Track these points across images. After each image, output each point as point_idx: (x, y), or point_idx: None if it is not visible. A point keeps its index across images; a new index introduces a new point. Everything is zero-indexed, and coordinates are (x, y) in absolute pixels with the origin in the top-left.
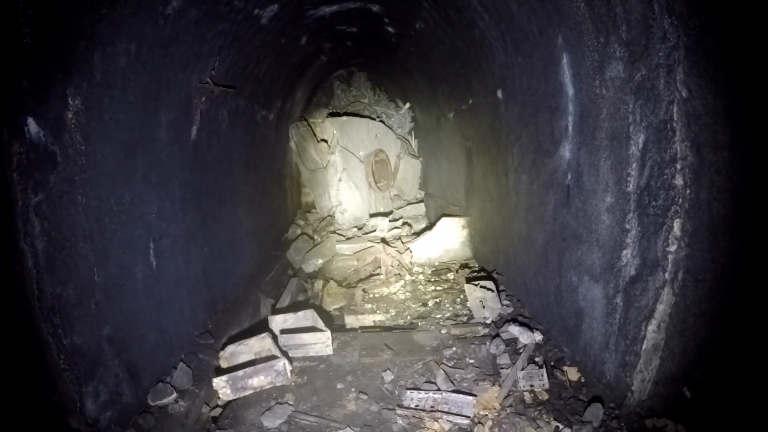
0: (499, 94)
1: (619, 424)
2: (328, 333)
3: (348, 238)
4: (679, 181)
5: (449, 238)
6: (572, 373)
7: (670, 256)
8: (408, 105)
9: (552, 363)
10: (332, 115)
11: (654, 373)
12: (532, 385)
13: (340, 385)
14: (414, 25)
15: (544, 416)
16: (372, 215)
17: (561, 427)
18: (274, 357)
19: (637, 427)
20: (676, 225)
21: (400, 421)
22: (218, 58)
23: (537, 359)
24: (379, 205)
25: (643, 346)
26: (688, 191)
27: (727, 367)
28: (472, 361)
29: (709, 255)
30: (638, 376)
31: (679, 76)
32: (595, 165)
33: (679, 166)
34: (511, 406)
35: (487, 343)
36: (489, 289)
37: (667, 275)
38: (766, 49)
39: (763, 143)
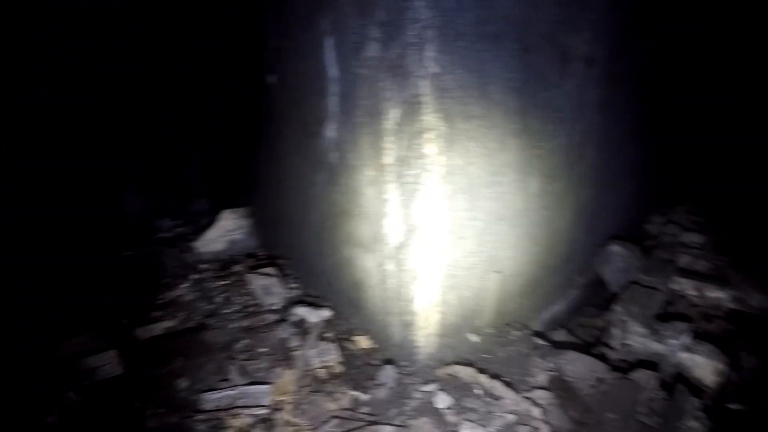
0: (272, 78)
1: (413, 380)
2: (113, 352)
3: None
4: (430, 149)
5: (233, 231)
6: (363, 342)
7: (428, 220)
8: None
9: (343, 336)
10: None
11: (437, 327)
12: (324, 361)
13: (137, 404)
14: None
15: (341, 388)
16: None
17: (358, 394)
18: None
19: (431, 379)
20: (431, 190)
21: (200, 427)
22: None
23: (328, 335)
24: None
25: (418, 305)
26: (442, 158)
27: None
28: (264, 349)
29: (469, 213)
30: (421, 333)
31: (429, 54)
32: (357, 141)
33: (430, 136)
34: (308, 385)
35: (277, 329)
36: (272, 275)
37: (428, 237)
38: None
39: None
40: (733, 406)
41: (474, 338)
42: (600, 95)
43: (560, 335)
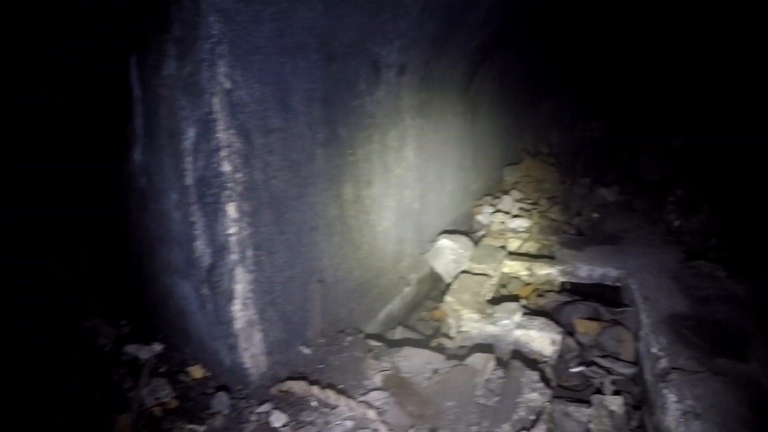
0: None
1: (248, 402)
2: None
3: None
4: (227, 167)
5: None
6: (197, 372)
7: (233, 238)
8: None
9: (176, 368)
10: None
11: (262, 346)
12: (158, 398)
13: None
14: None
15: (178, 423)
16: None
17: (194, 426)
18: None
19: (266, 398)
20: (231, 208)
21: None
22: None
23: (161, 369)
24: None
25: (237, 326)
26: (239, 175)
27: None
28: (96, 396)
29: (277, 228)
30: (246, 354)
31: (222, 69)
32: (161, 164)
33: (225, 153)
34: (144, 427)
35: (109, 372)
36: (97, 315)
37: (235, 256)
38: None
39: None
40: (575, 369)
41: (306, 350)
42: (416, 100)
43: (398, 333)
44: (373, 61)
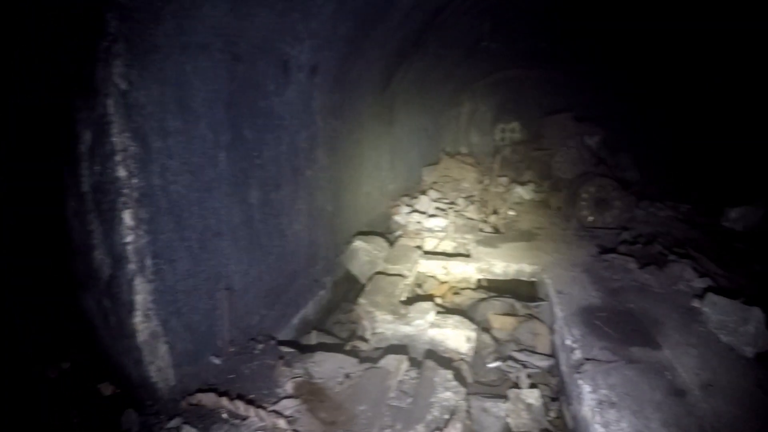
0: None
1: (158, 418)
2: None
3: None
4: (122, 172)
5: None
6: (106, 389)
7: (130, 247)
8: None
9: (90, 386)
10: None
11: (169, 358)
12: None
13: None
14: None
15: None
16: None
17: None
18: None
19: (176, 413)
20: (127, 216)
21: None
22: None
23: (69, 388)
24: None
25: (140, 339)
26: (135, 180)
27: None
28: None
29: (177, 235)
30: (152, 367)
31: (118, 69)
32: (61, 170)
33: (120, 158)
34: None
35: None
36: None
37: (133, 266)
38: None
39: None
40: (492, 365)
41: (216, 361)
42: (328, 101)
43: (313, 338)
44: (283, 61)
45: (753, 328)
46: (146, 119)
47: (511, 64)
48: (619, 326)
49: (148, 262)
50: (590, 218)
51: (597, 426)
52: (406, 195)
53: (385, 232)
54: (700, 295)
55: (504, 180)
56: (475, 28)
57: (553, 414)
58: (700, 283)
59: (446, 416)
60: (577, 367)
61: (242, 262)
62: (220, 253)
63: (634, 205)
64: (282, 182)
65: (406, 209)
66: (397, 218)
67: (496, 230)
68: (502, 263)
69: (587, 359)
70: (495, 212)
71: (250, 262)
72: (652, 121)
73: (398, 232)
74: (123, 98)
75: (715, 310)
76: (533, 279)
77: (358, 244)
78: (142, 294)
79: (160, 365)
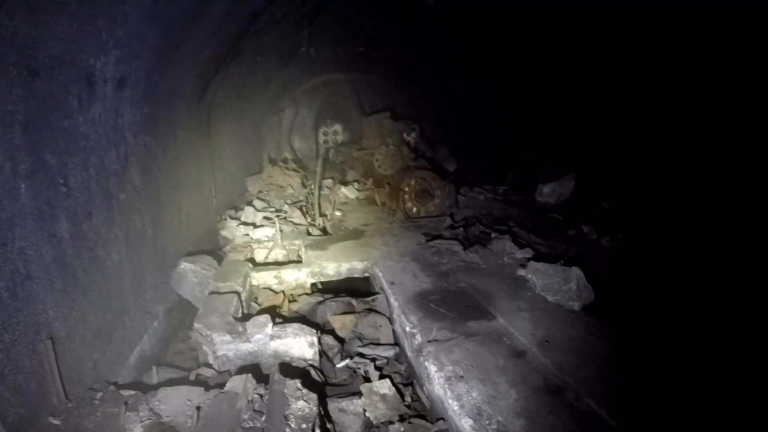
0: None
1: None
2: None
3: None
4: None
5: None
6: None
7: None
8: None
9: None
10: None
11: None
12: None
13: None
14: None
15: None
16: None
17: None
18: None
19: None
20: None
21: None
22: None
23: None
24: None
25: None
26: None
27: None
28: None
29: None
30: None
31: None
32: None
33: None
34: None
35: None
36: None
37: None
38: None
39: None
40: (340, 365)
41: (56, 421)
42: (139, 116)
43: (154, 374)
44: (86, 74)
45: (575, 285)
46: None
47: (331, 69)
48: (454, 305)
49: None
50: (414, 209)
51: (451, 401)
52: (232, 207)
53: (214, 248)
54: (524, 265)
55: (329, 182)
56: (294, 34)
57: (408, 398)
58: (522, 254)
59: (305, 426)
60: (421, 350)
61: (62, 305)
62: (35, 298)
63: (455, 192)
64: (93, 210)
65: (233, 222)
66: (224, 233)
67: (325, 232)
68: (333, 264)
69: (429, 341)
70: (322, 214)
71: (70, 304)
72: (465, 113)
73: (227, 247)
74: None
75: (539, 275)
76: (366, 274)
77: (185, 266)
78: None
79: None
